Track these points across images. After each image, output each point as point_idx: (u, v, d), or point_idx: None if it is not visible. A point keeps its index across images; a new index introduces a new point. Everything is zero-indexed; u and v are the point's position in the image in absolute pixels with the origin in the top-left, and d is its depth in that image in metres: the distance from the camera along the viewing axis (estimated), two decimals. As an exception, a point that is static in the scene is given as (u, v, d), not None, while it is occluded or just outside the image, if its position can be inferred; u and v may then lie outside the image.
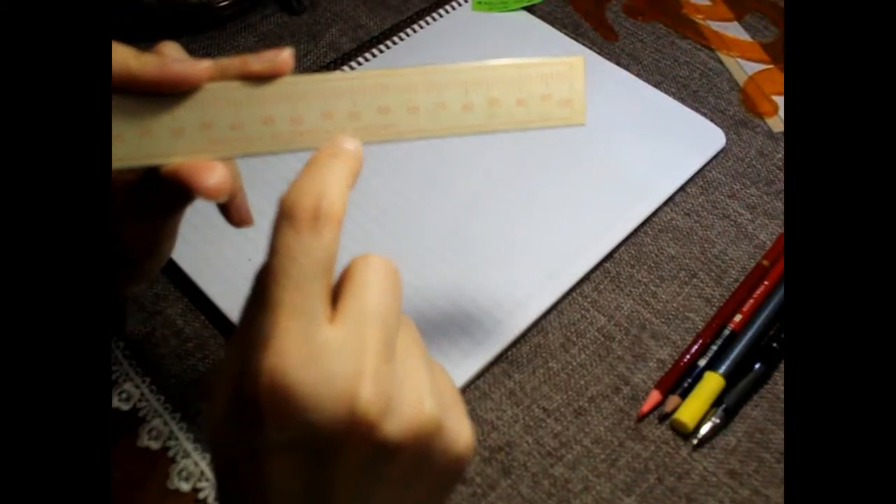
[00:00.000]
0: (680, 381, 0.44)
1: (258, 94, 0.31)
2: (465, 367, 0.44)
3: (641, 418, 0.43)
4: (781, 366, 0.45)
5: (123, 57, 0.29)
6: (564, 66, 0.33)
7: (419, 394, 0.25)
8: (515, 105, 0.33)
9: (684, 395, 0.43)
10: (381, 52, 0.60)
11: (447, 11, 0.64)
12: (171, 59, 0.29)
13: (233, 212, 0.34)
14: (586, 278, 0.49)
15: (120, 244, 0.34)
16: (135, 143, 0.30)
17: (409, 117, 0.32)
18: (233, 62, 0.30)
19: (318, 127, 0.31)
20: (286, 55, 0.31)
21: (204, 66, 0.30)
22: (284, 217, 0.25)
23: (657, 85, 0.59)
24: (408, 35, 0.61)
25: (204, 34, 0.62)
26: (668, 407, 0.43)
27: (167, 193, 0.31)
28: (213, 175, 0.30)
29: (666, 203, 0.52)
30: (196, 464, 0.40)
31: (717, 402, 0.43)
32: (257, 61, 0.30)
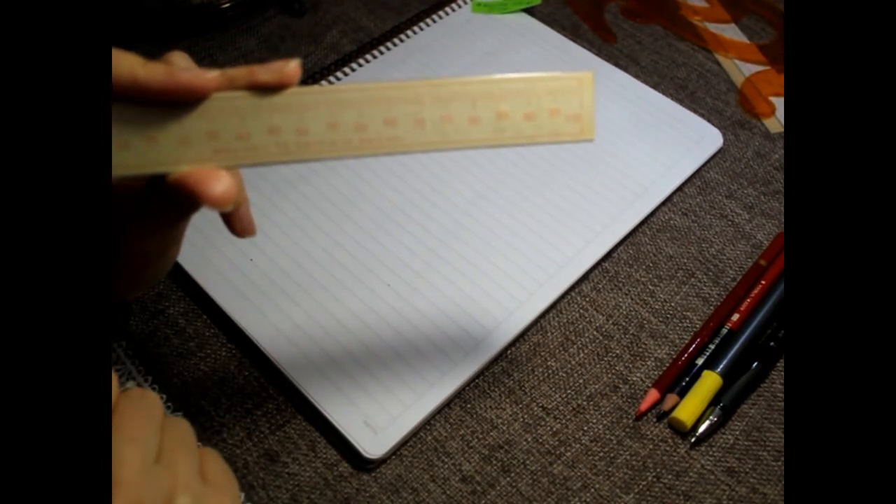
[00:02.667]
0: (678, 379, 0.45)
1: (265, 104, 0.31)
2: (466, 365, 0.44)
3: (640, 417, 0.44)
4: (779, 364, 0.46)
5: (130, 65, 0.29)
6: (574, 80, 0.33)
7: (170, 491, 0.28)
8: (523, 119, 0.32)
9: (682, 393, 0.44)
10: (382, 53, 0.61)
11: (447, 13, 0.64)
12: (179, 68, 0.30)
13: (236, 221, 0.34)
14: (585, 278, 0.49)
15: (125, 251, 0.34)
16: (141, 151, 0.30)
17: (416, 130, 0.32)
18: (240, 72, 0.31)
19: (324, 138, 0.31)
20: (293, 66, 0.31)
21: (211, 75, 0.30)
22: None
23: (655, 86, 0.59)
24: (408, 37, 0.62)
25: (205, 36, 0.62)
26: (667, 405, 0.44)
27: (173, 201, 0.31)
28: (219, 184, 0.30)
29: (664, 203, 0.53)
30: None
31: (714, 401, 0.44)
32: (265, 72, 0.30)
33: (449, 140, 0.32)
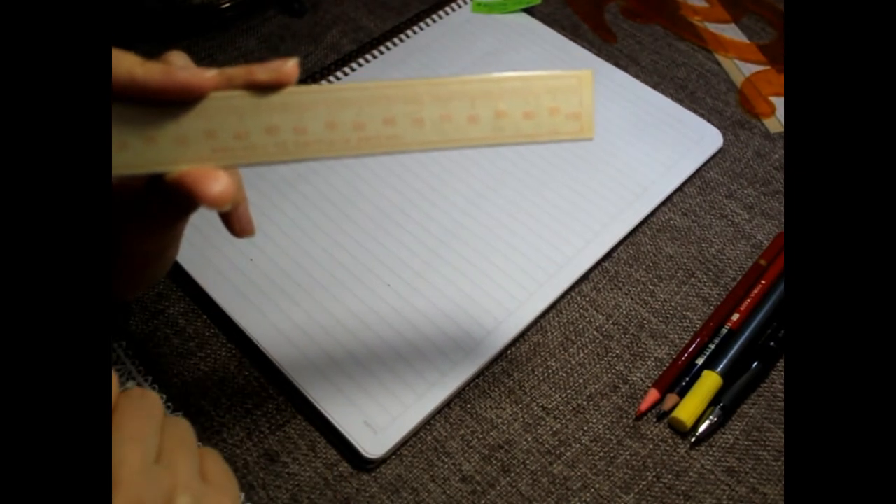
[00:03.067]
0: (678, 379, 0.45)
1: (263, 104, 0.31)
2: (466, 365, 0.44)
3: (640, 416, 0.44)
4: (779, 364, 0.46)
5: (129, 65, 0.29)
6: (573, 79, 0.32)
7: (170, 491, 0.28)
8: (522, 118, 0.32)
9: (682, 393, 0.44)
10: (382, 53, 0.61)
11: (447, 13, 0.64)
12: (177, 67, 0.29)
13: (234, 221, 0.34)
14: (585, 277, 0.49)
15: (125, 251, 0.34)
16: (139, 151, 0.30)
17: (414, 129, 0.32)
18: (238, 71, 0.30)
19: (323, 137, 0.31)
20: (292, 65, 0.30)
21: (209, 74, 0.30)
22: None
23: (655, 86, 0.59)
24: (408, 36, 0.62)
25: (205, 36, 0.62)
26: (667, 405, 0.44)
27: (171, 201, 0.32)
28: (217, 184, 0.30)
29: (664, 203, 0.53)
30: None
31: (714, 401, 0.44)
32: (263, 71, 0.30)
33: (448, 139, 0.32)
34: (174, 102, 0.30)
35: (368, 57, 0.60)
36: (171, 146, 0.30)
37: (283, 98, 0.31)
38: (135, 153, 0.30)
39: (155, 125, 0.30)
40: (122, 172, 0.30)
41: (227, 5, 0.62)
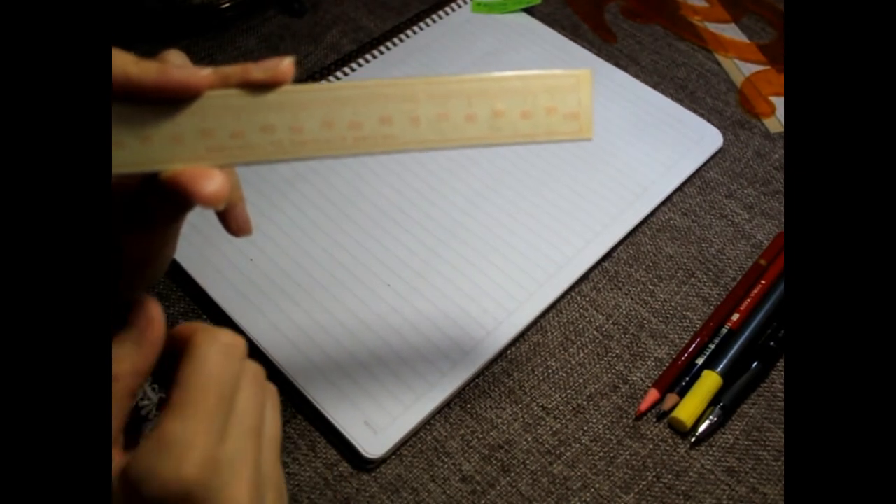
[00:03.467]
0: (678, 379, 0.45)
1: (259, 102, 0.31)
2: (466, 365, 0.44)
3: (640, 416, 0.44)
4: (779, 364, 0.46)
5: (123, 63, 0.29)
6: (572, 78, 0.32)
7: (266, 487, 0.28)
8: (520, 118, 0.32)
9: (682, 393, 0.44)
10: (382, 53, 0.61)
11: (447, 13, 0.64)
12: (172, 65, 0.29)
13: (231, 220, 0.34)
14: (585, 277, 0.49)
15: (120, 251, 0.34)
16: (135, 150, 0.30)
17: (411, 128, 0.31)
18: (234, 70, 0.30)
19: (319, 136, 0.31)
20: (287, 63, 0.30)
21: (205, 73, 0.30)
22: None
23: (655, 86, 0.59)
24: (408, 36, 0.62)
25: (205, 36, 0.62)
26: (667, 405, 0.44)
27: (166, 200, 0.31)
28: (212, 182, 0.30)
29: (664, 203, 0.53)
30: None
31: (714, 401, 0.44)
32: (258, 69, 0.30)
33: (445, 138, 0.32)
34: (169, 101, 0.30)
35: (368, 57, 0.60)
36: (166, 145, 0.30)
37: (279, 97, 0.31)
38: (130, 152, 0.30)
39: (150, 124, 0.30)
40: (118, 171, 0.30)
41: (227, 5, 0.62)
